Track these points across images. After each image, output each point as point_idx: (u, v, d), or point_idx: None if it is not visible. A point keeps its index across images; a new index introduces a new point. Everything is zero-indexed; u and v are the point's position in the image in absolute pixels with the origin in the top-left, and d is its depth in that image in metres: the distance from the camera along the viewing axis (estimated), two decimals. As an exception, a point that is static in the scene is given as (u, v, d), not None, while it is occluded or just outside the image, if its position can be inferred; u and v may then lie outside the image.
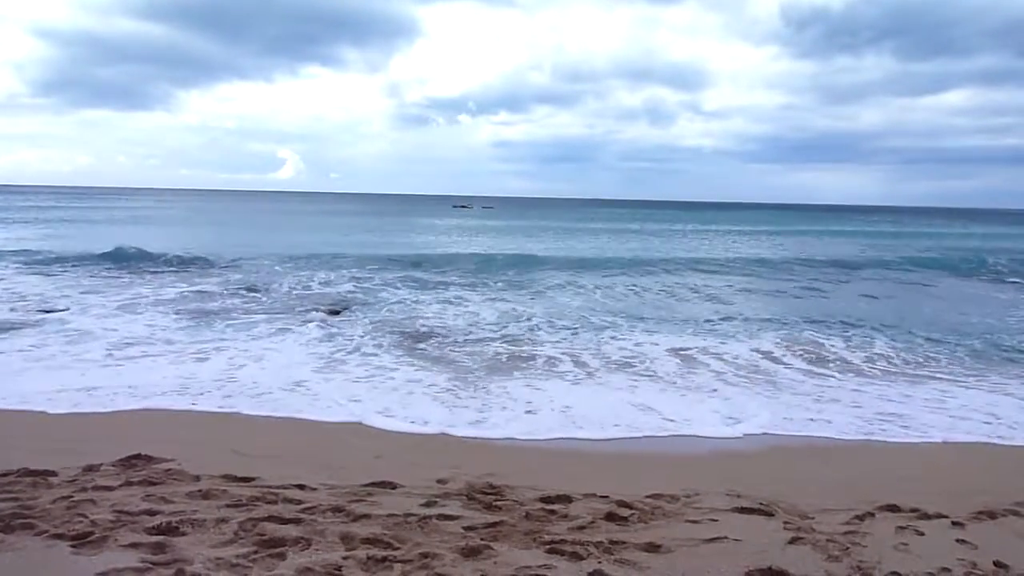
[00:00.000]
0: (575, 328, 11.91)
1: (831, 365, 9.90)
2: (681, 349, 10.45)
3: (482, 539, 3.74)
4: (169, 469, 4.86)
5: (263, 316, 12.18)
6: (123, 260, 19.22)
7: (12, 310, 11.71)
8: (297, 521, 3.88)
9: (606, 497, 4.56)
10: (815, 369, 9.70)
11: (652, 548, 3.73)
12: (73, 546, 3.42)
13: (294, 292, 15.29)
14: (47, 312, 11.52)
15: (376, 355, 9.61)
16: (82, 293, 13.99)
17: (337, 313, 12.55)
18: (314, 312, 12.58)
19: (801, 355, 10.33)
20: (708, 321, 13.10)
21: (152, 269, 18.14)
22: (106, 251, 20.18)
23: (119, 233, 28.93)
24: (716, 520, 4.22)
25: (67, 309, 11.84)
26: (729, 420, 7.27)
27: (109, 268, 17.93)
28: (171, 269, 18.38)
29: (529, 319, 12.72)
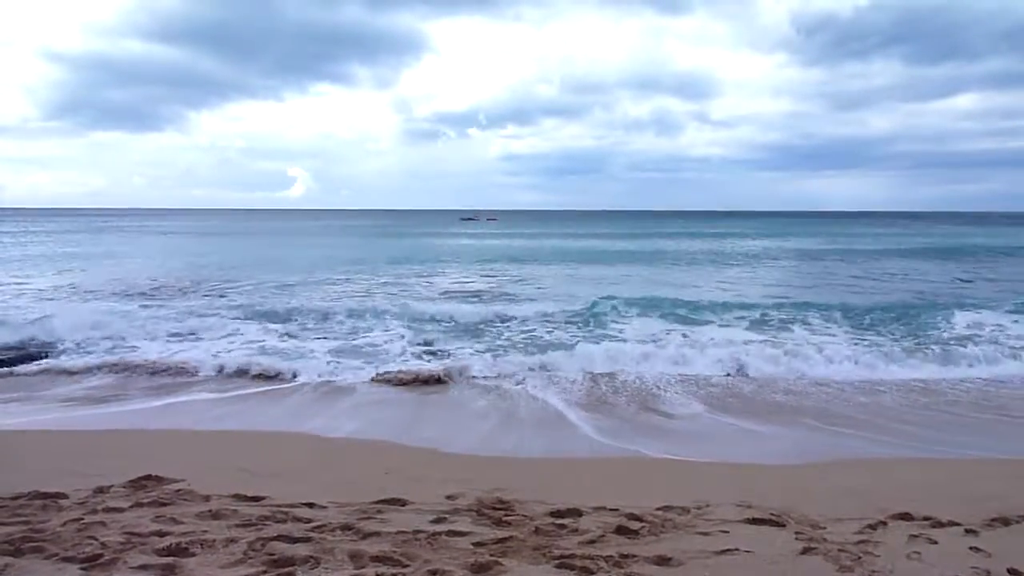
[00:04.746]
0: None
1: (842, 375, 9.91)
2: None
3: (491, 555, 3.72)
4: (179, 489, 4.87)
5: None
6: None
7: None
8: (306, 540, 3.88)
9: (616, 510, 4.54)
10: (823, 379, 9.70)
11: (663, 561, 3.70)
12: (83, 568, 3.42)
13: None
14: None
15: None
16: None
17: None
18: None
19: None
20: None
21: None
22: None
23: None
24: (727, 532, 4.19)
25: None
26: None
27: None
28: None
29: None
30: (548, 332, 12.64)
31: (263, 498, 4.71)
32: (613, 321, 13.66)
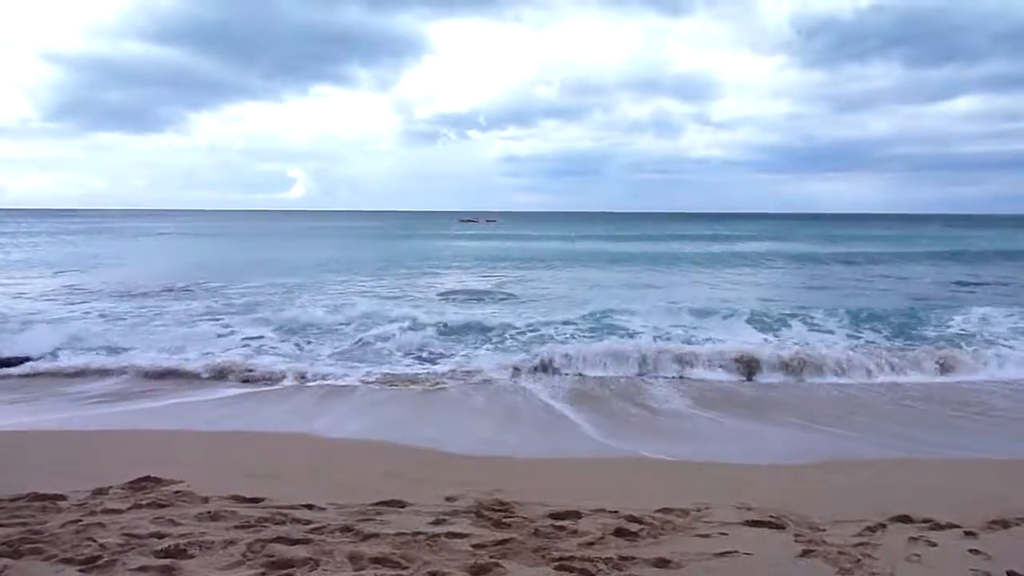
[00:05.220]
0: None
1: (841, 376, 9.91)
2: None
3: (491, 557, 3.72)
4: (178, 491, 4.86)
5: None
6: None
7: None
8: (305, 542, 3.87)
9: (615, 512, 4.53)
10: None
11: (662, 564, 3.69)
12: (81, 570, 3.41)
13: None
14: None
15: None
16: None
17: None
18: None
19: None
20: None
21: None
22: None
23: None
24: (726, 534, 4.18)
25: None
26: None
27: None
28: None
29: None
30: (549, 332, 12.63)
31: (262, 499, 4.70)
32: (614, 321, 13.66)
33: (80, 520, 4.13)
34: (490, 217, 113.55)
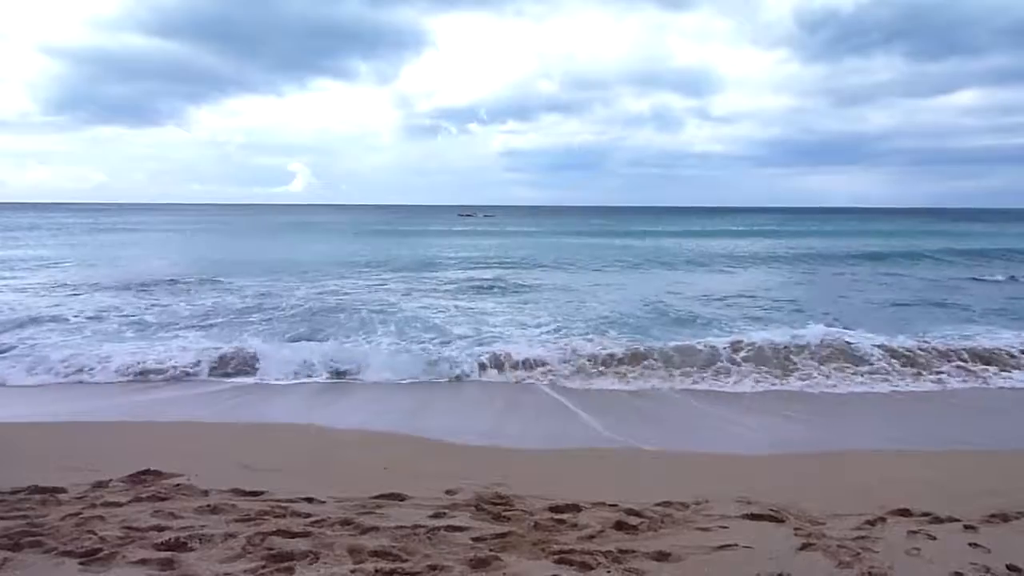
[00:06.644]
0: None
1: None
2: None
3: (491, 550, 3.72)
4: (178, 484, 4.87)
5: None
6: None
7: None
8: (305, 535, 3.87)
9: (615, 505, 4.54)
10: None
11: (662, 557, 3.70)
12: (82, 563, 3.41)
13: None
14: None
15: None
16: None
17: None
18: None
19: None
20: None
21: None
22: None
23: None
24: (726, 527, 4.19)
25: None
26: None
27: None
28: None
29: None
30: (548, 328, 12.62)
31: (262, 492, 4.71)
32: (612, 318, 13.64)
33: (80, 513, 4.14)
34: (487, 212, 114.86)
